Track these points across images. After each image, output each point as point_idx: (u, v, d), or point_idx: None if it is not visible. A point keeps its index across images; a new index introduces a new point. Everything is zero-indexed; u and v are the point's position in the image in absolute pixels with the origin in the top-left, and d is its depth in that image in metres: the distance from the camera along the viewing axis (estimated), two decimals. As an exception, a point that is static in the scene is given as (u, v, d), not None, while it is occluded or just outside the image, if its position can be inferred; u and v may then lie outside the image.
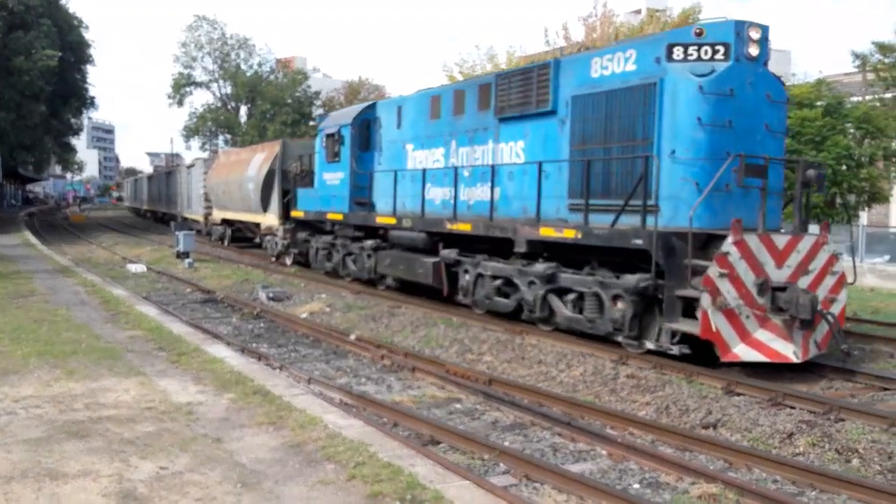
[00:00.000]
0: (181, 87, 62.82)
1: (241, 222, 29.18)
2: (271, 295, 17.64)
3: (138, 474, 5.81)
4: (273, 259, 24.61)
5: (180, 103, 63.74)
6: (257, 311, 15.84)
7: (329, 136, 19.34)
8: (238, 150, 31.63)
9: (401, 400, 9.21)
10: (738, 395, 9.03)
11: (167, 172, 48.42)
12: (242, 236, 30.47)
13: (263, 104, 59.86)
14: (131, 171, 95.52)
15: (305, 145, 24.05)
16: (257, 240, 27.60)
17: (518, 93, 13.22)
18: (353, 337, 12.95)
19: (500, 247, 13.63)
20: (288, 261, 23.63)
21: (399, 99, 17.93)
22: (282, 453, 6.30)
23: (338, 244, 19.52)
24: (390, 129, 17.61)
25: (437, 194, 15.59)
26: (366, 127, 18.35)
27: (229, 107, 64.24)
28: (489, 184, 13.79)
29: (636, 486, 6.56)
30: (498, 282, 13.30)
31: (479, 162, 14.37)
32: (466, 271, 14.12)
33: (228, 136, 60.69)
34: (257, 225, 26.60)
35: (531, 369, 10.61)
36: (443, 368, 10.50)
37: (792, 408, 8.51)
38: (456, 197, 14.74)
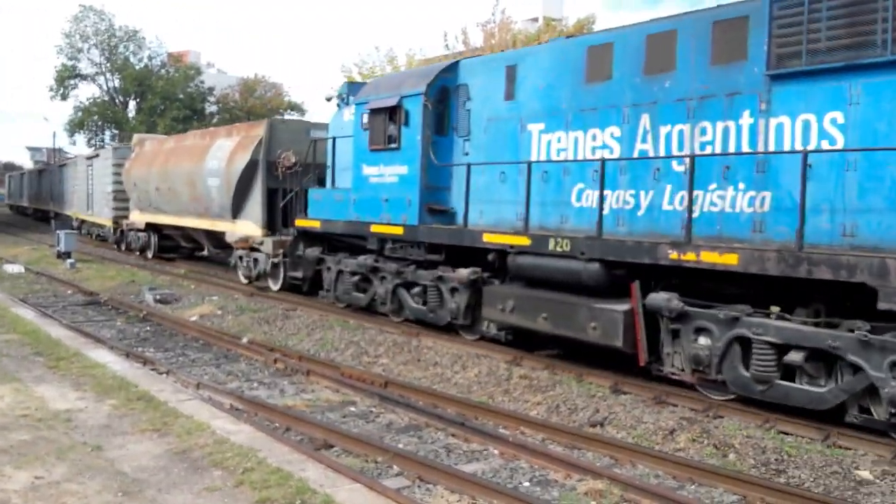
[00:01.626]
0: (65, 79, 60.04)
1: (183, 230, 23.34)
2: (159, 297, 17.18)
3: (12, 484, 5.72)
4: (246, 282, 18.94)
5: (64, 97, 60.84)
6: (143, 313, 15.54)
7: (376, 112, 13.39)
8: (186, 134, 24.76)
9: (294, 404, 9.17)
10: (625, 393, 9.34)
11: (61, 165, 43.24)
12: (173, 246, 25.61)
13: (153, 99, 57.58)
14: (10, 167, 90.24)
15: (298, 128, 18.90)
16: (205, 252, 22.79)
17: (834, 27, 7.94)
18: (245, 340, 12.87)
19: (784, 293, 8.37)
20: (274, 285, 17.91)
21: (510, 55, 12.39)
22: (166, 461, 6.25)
23: (385, 269, 13.64)
24: (492, 100, 11.99)
25: (595, 199, 9.99)
26: (442, 99, 12.77)
27: (117, 101, 61.75)
28: (749, 184, 8.68)
29: (526, 484, 6.71)
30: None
31: (712, 147, 9.09)
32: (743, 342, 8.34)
33: (116, 132, 58.36)
34: (211, 235, 21.00)
35: (427, 371, 10.87)
36: (338, 371, 10.62)
37: (675, 405, 8.86)
38: (668, 204, 9.51)
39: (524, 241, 10.73)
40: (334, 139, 15.14)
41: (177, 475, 5.91)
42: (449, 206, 12.90)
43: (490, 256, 11.49)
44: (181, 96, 57.38)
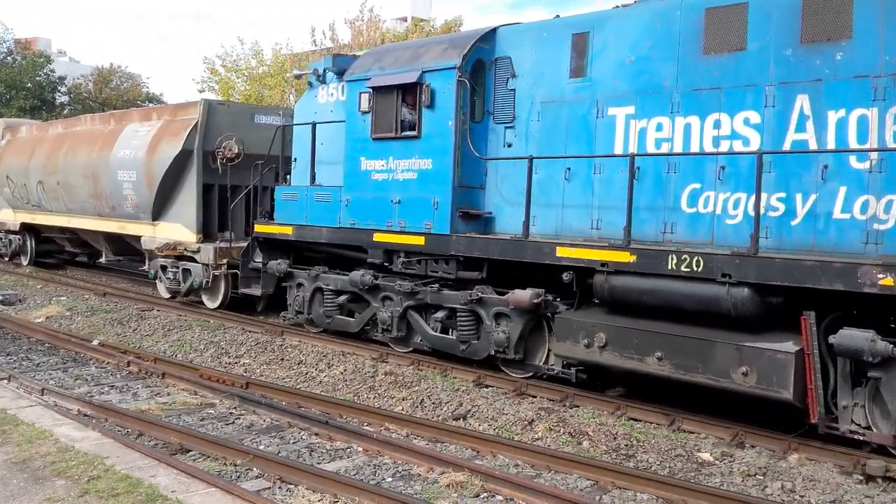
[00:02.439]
0: None
1: (74, 232, 19.56)
2: (0, 298, 15.68)
3: None
4: (169, 297, 15.83)
5: None
6: (-18, 317, 13.89)
7: (383, 91, 10.58)
8: (78, 118, 20.53)
9: (148, 408, 8.75)
10: (487, 387, 9.56)
11: None
12: (54, 250, 21.58)
13: (-2, 87, 51.96)
14: None
15: (240, 112, 15.68)
16: (102, 260, 19.12)
17: None
18: (95, 342, 12.18)
19: None
20: (210, 301, 14.87)
21: (579, 19, 9.54)
22: (4, 471, 6.08)
23: (391, 289, 10.89)
24: (549, 77, 9.56)
25: (721, 204, 8.12)
26: (474, 76, 10.10)
27: (-42, 88, 54.72)
28: None
29: (389, 479, 6.68)
30: None
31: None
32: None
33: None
34: (116, 239, 17.49)
35: (291, 370, 10.67)
36: (196, 373, 10.24)
37: (534, 397, 9.13)
38: (842, 212, 7.38)
39: (625, 258, 8.28)
40: (314, 125, 12.06)
41: (16, 486, 5.78)
42: (483, 210, 10.26)
43: (565, 276, 8.91)
44: (29, 85, 52.16)
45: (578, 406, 8.72)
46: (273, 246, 13.14)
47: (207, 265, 14.62)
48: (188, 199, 15.14)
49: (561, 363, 9.33)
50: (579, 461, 7.02)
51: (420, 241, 10.32)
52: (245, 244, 14.02)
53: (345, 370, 10.36)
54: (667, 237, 8.55)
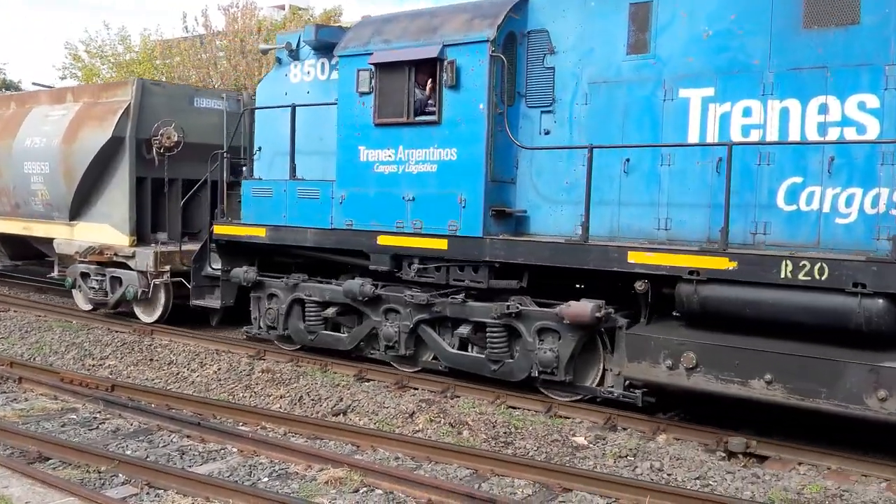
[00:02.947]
0: None
1: None
2: None
3: None
4: (90, 309, 13.62)
5: None
6: None
7: (391, 69, 8.97)
8: None
9: (3, 415, 8.23)
10: (369, 381, 9.54)
11: None
12: None
13: None
14: None
15: (178, 94, 13.50)
16: None
17: None
18: None
19: None
20: (147, 314, 12.77)
21: None
22: None
23: (398, 300, 9.38)
24: (600, 53, 8.28)
25: (830, 201, 7.07)
26: (504, 52, 8.55)
27: None
28: None
29: (265, 479, 6.54)
30: None
31: None
32: None
33: None
34: (15, 242, 15.18)
35: (161, 371, 10.31)
36: (56, 377, 9.68)
37: (415, 389, 9.14)
38: None
39: (722, 264, 7.07)
40: (294, 109, 10.25)
41: None
42: (514, 208, 8.85)
43: (639, 286, 7.62)
44: None
45: (459, 396, 8.79)
46: (234, 251, 11.22)
47: (145, 273, 12.48)
48: (118, 195, 12.94)
49: (622, 385, 8.04)
50: (459, 451, 7.05)
51: (441, 244, 8.79)
52: (190, 247, 12.07)
53: (219, 369, 10.13)
54: (758, 238, 7.42)
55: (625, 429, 7.83)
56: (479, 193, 8.51)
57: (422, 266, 9.12)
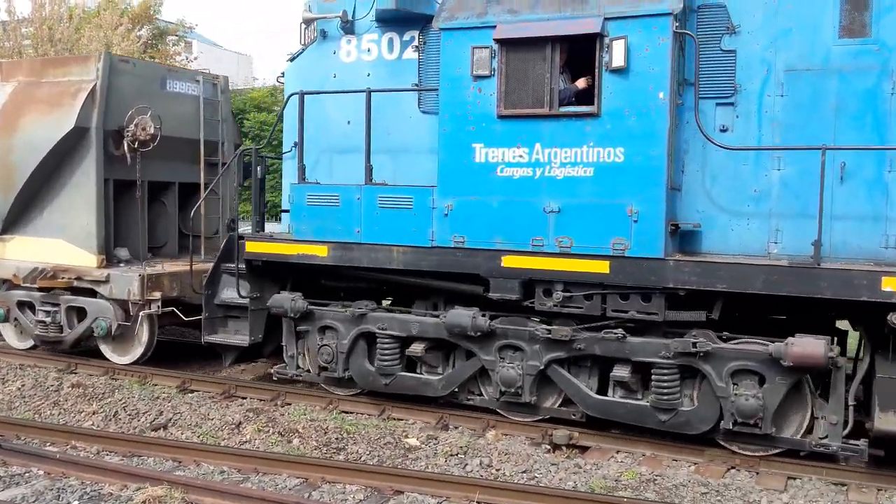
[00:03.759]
0: None
1: None
2: None
3: None
4: (27, 348, 10.82)
5: None
6: None
7: (526, 45, 7.16)
8: None
9: None
10: (192, 392, 9.17)
11: None
12: None
13: None
14: None
15: (148, 75, 10.67)
16: None
17: None
18: None
19: None
20: (120, 354, 10.17)
21: None
22: None
23: (523, 335, 7.61)
24: (801, 35, 6.85)
25: None
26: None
27: None
28: None
29: (76, 502, 6.20)
30: None
31: None
32: None
33: None
34: None
35: None
36: None
37: (243, 398, 8.87)
38: None
39: None
40: (369, 94, 8.11)
41: None
42: (681, 221, 7.26)
43: (893, 319, 6.23)
44: None
45: (290, 404, 8.61)
46: (262, 272, 8.91)
47: (125, 301, 9.82)
48: (79, 202, 10.18)
49: (839, 435, 6.65)
50: (288, 460, 6.88)
51: (600, 267, 7.06)
52: (178, 267, 9.68)
53: (23, 385, 9.44)
54: None
55: (456, 427, 7.93)
56: (658, 204, 6.85)
57: (567, 294, 7.30)
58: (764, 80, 7.01)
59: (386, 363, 8.25)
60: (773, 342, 6.67)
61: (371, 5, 8.47)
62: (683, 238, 7.31)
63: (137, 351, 10.13)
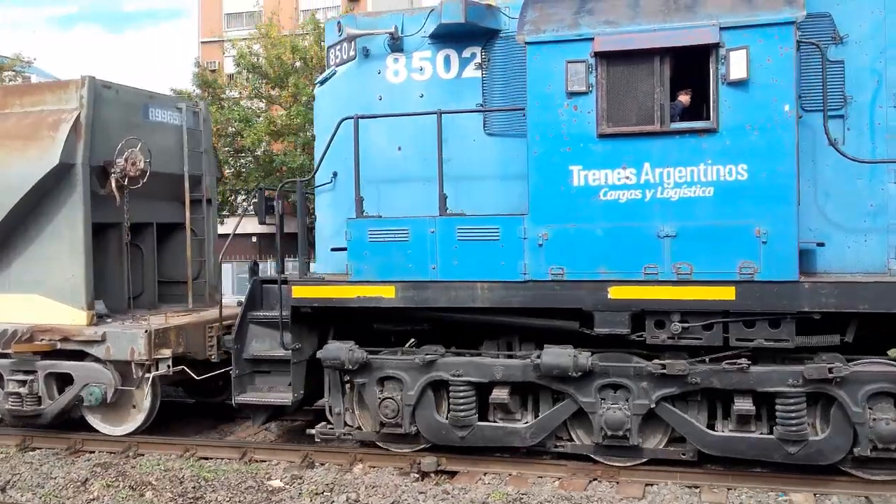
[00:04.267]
0: None
1: None
2: None
3: None
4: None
5: None
6: None
7: (631, 58, 6.60)
8: None
9: None
10: (34, 450, 8.66)
11: None
12: None
13: None
14: None
15: (131, 103, 9.36)
16: None
17: None
18: None
19: None
20: (114, 423, 8.77)
21: None
22: None
23: (627, 375, 6.98)
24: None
25: None
26: None
27: None
28: None
29: None
30: None
31: None
32: None
33: None
34: None
35: None
36: None
37: (91, 452, 8.48)
38: None
39: None
40: (440, 116, 7.34)
41: None
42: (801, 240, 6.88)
43: None
44: None
45: (143, 455, 8.29)
46: (297, 321, 7.91)
47: (128, 364, 8.49)
48: (63, 250, 8.81)
49: None
50: None
51: (725, 294, 6.56)
52: (182, 319, 8.51)
53: None
54: None
55: (322, 464, 7.76)
56: (789, 223, 6.44)
57: (684, 324, 6.74)
58: (875, 91, 6.77)
59: (462, 413, 7.41)
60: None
61: (423, 21, 7.72)
62: (802, 262, 6.89)
63: (137, 419, 8.77)
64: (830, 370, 6.48)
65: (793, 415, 6.64)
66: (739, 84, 6.45)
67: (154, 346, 8.41)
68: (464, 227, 7.16)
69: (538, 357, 7.14)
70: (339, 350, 7.60)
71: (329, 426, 8.01)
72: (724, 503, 6.54)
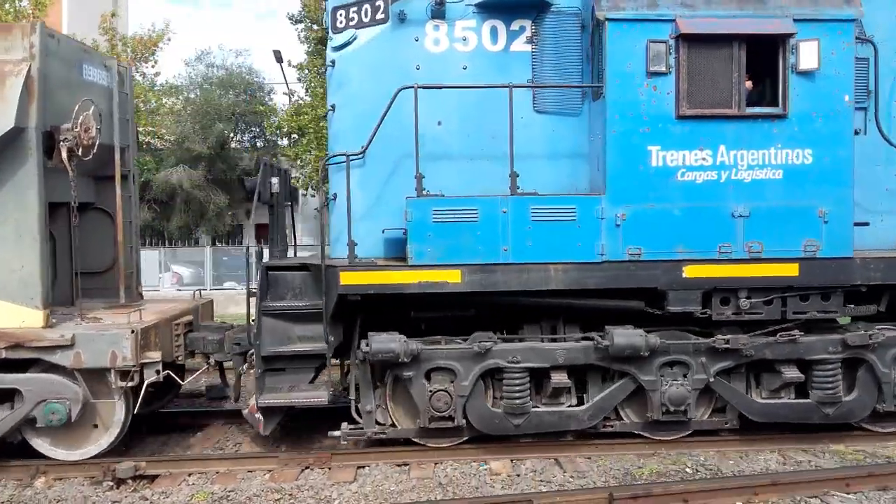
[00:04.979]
0: None
1: None
2: None
3: None
4: None
5: None
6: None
7: (712, 42, 6.66)
8: None
9: None
10: None
11: None
12: None
13: None
14: None
15: (70, 58, 7.45)
16: None
17: None
18: None
19: None
20: (72, 446, 7.06)
21: None
22: None
23: (686, 352, 7.13)
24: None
25: None
26: None
27: None
28: None
29: None
30: None
31: None
32: None
33: None
34: None
35: None
36: None
37: None
38: None
39: None
40: (511, 90, 6.98)
41: None
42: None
43: None
44: None
45: None
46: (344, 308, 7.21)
47: (104, 372, 7.12)
48: (7, 235, 7.10)
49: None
50: None
51: (791, 270, 7.03)
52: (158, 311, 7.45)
53: None
54: None
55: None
56: (846, 204, 7.02)
57: (748, 301, 7.11)
58: (892, 86, 7.56)
59: (518, 401, 7.16)
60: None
61: (472, -15, 7.25)
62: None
63: (102, 440, 7.35)
64: (871, 336, 7.16)
65: (830, 379, 7.25)
66: (808, 74, 6.86)
67: (138, 351, 7.07)
68: (538, 207, 6.87)
69: (604, 338, 7.08)
70: (391, 341, 6.95)
71: (353, 426, 7.31)
72: (431, 477, 6.76)
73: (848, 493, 6.24)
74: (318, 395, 7.11)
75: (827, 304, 7.18)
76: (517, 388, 7.14)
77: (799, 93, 6.89)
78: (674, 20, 6.77)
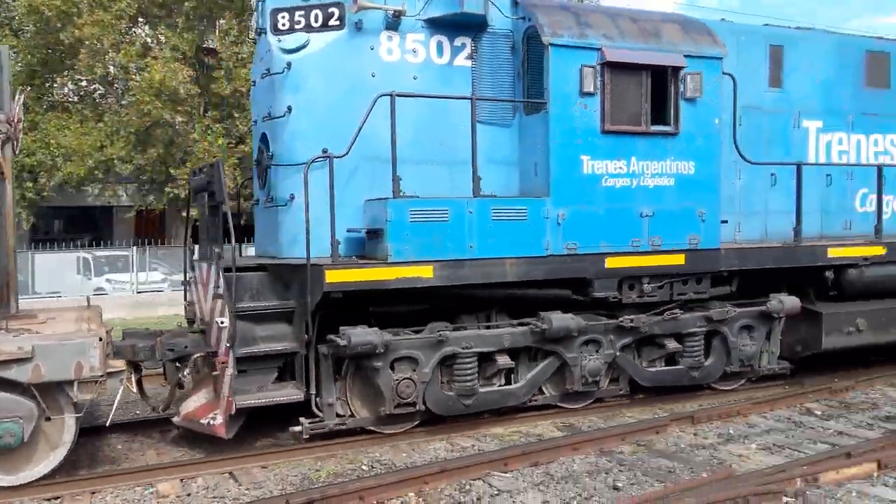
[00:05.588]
0: None
1: None
2: None
3: None
4: None
5: None
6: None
7: (628, 70, 7.99)
8: None
9: None
10: None
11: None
12: None
13: None
14: None
15: None
16: None
17: None
18: None
19: None
20: (11, 473, 5.92)
21: (772, 32, 9.97)
22: None
23: (600, 331, 8.23)
24: (749, 83, 9.48)
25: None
26: None
27: None
28: None
29: None
30: None
31: None
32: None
33: None
34: None
35: None
36: None
37: None
38: None
39: (879, 251, 10.00)
40: (473, 101, 7.74)
41: None
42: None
43: (829, 274, 9.73)
44: None
45: None
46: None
47: (64, 385, 6.71)
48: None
49: (775, 361, 9.81)
50: None
51: (678, 259, 8.68)
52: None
53: None
54: (845, 233, 10.46)
55: None
56: (716, 206, 8.79)
57: (648, 286, 8.66)
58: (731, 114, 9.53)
59: (469, 383, 7.97)
60: (765, 302, 9.31)
61: (422, 4, 7.89)
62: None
63: (49, 460, 6.80)
64: (727, 312, 9.04)
65: (696, 348, 9.01)
66: (692, 100, 8.50)
67: (106, 356, 6.69)
68: (497, 208, 7.70)
69: (542, 323, 8.13)
70: (368, 334, 7.34)
71: (314, 420, 7.57)
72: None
73: (506, 472, 6.77)
74: (292, 393, 7.25)
75: (699, 286, 8.90)
76: (468, 371, 7.87)
77: (686, 115, 8.49)
78: (600, 49, 7.98)
